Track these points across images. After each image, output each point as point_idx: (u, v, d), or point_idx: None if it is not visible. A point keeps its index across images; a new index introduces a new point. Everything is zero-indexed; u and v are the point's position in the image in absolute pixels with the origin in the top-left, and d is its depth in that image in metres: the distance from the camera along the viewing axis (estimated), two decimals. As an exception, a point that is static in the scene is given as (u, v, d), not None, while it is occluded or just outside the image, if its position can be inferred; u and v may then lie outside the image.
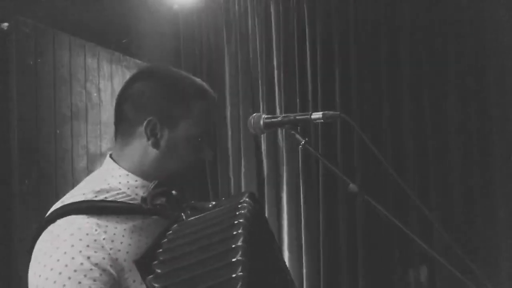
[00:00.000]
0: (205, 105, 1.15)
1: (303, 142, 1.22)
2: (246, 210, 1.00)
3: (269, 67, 3.49)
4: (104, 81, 2.93)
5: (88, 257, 0.97)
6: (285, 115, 1.28)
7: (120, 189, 1.10)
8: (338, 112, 1.27)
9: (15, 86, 2.31)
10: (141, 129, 1.10)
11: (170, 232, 1.00)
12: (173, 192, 1.10)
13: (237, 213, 0.99)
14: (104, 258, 0.99)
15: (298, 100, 3.38)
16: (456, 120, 3.08)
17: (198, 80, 1.19)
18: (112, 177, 1.11)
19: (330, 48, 3.32)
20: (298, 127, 1.25)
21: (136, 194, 1.10)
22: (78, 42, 2.72)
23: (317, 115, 1.23)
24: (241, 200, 1.06)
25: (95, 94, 2.84)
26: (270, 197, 3.43)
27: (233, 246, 0.90)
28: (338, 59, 3.28)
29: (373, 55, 3.25)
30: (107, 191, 1.09)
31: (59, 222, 1.02)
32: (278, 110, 3.44)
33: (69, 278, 0.95)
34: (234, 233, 0.92)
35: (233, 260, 0.88)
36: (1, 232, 2.24)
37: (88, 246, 0.98)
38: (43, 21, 2.49)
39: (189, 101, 1.13)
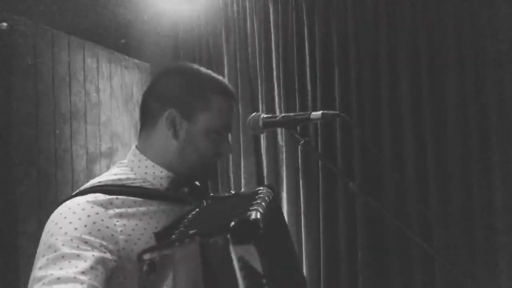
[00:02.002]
0: (224, 100, 1.20)
1: (302, 142, 1.22)
2: (264, 195, 1.07)
3: (268, 66, 3.49)
4: (103, 81, 2.93)
5: (94, 222, 1.03)
6: (285, 114, 1.28)
7: (146, 178, 1.17)
8: (338, 112, 1.27)
9: (15, 86, 2.31)
10: (162, 120, 1.16)
11: (190, 215, 1.07)
12: (197, 183, 1.20)
13: (257, 196, 1.07)
14: (108, 227, 1.04)
15: (297, 99, 3.38)
16: (456, 120, 3.08)
17: (218, 76, 1.24)
18: (138, 168, 1.18)
19: (329, 48, 3.32)
20: (298, 127, 1.25)
21: (161, 185, 1.17)
22: (77, 42, 2.72)
23: (316, 114, 1.23)
24: (260, 188, 1.14)
25: (94, 94, 2.84)
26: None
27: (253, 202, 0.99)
28: (338, 59, 3.28)
29: (373, 55, 3.25)
30: (134, 180, 1.16)
31: (77, 198, 1.08)
32: (277, 110, 3.44)
33: (63, 244, 0.98)
34: (251, 204, 1.00)
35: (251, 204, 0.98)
36: (1, 232, 2.24)
37: (97, 213, 1.04)
38: (42, 21, 2.49)
39: (208, 95, 1.18)
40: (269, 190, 1.15)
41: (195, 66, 1.25)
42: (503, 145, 2.96)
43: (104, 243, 1.02)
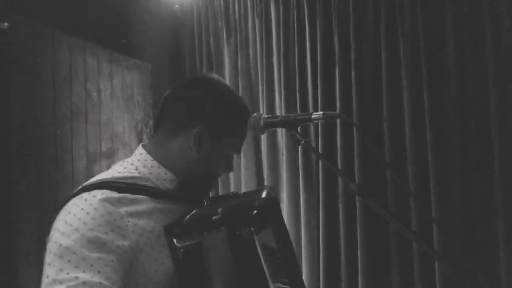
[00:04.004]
0: (245, 128, 1.27)
1: (303, 142, 1.22)
2: (266, 193, 1.13)
3: (269, 67, 3.49)
4: (104, 81, 2.92)
5: (107, 221, 1.04)
6: (285, 115, 1.29)
7: (150, 179, 1.18)
8: (338, 112, 1.27)
9: (15, 86, 2.31)
10: (189, 132, 1.19)
11: (195, 210, 1.11)
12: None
13: (258, 194, 1.13)
14: (119, 227, 1.05)
15: (298, 100, 3.38)
16: (456, 120, 3.08)
17: (244, 101, 1.33)
18: (144, 167, 1.19)
19: (330, 48, 3.32)
20: (298, 127, 1.25)
21: (164, 186, 1.19)
22: (77, 42, 2.72)
23: (317, 115, 1.23)
24: (261, 188, 1.24)
25: (94, 94, 2.84)
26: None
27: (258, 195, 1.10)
28: (338, 59, 3.28)
29: (373, 55, 3.24)
30: (138, 178, 1.17)
31: (92, 191, 1.09)
32: (278, 110, 3.44)
33: (81, 246, 1.00)
34: (256, 194, 1.11)
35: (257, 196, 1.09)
36: (1, 232, 2.24)
37: (109, 212, 1.05)
38: (42, 21, 2.49)
39: (236, 121, 1.24)
40: (270, 187, 1.23)
41: (226, 83, 1.33)
42: (504, 144, 2.96)
43: (120, 243, 1.03)
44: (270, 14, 3.49)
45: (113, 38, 3.06)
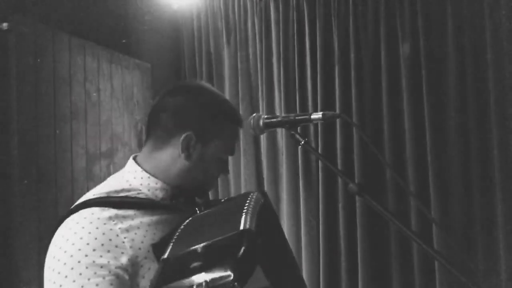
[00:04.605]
0: (235, 129, 1.28)
1: (302, 142, 1.22)
2: (254, 202, 1.08)
3: (269, 67, 3.49)
4: (103, 81, 2.92)
5: (102, 244, 1.03)
6: (285, 115, 1.28)
7: (140, 190, 1.18)
8: (338, 112, 1.27)
9: (15, 85, 2.31)
10: (177, 140, 1.18)
11: (185, 223, 1.08)
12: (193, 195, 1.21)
13: (246, 203, 1.07)
14: (117, 246, 1.04)
15: (297, 100, 3.38)
16: (455, 119, 3.08)
17: (231, 103, 1.31)
18: (134, 179, 1.19)
19: (330, 48, 3.32)
20: (298, 127, 1.25)
21: (156, 196, 1.18)
22: (77, 42, 2.72)
23: (317, 115, 1.23)
24: (251, 194, 1.14)
25: (94, 94, 2.84)
26: (269, 197, 3.41)
27: (241, 217, 0.99)
28: (338, 59, 3.28)
29: (373, 55, 3.25)
30: (128, 191, 1.16)
31: (81, 212, 1.08)
32: (277, 110, 3.44)
33: (80, 274, 1.00)
34: (243, 211, 1.02)
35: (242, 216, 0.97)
36: (1, 231, 2.24)
37: (103, 234, 1.04)
38: (42, 21, 2.49)
39: (224, 124, 1.24)
40: (258, 195, 1.14)
41: (212, 89, 1.31)
42: (503, 144, 2.96)
43: (118, 263, 1.03)
44: (269, 14, 3.49)
45: (113, 38, 3.06)
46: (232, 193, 3.52)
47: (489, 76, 3.00)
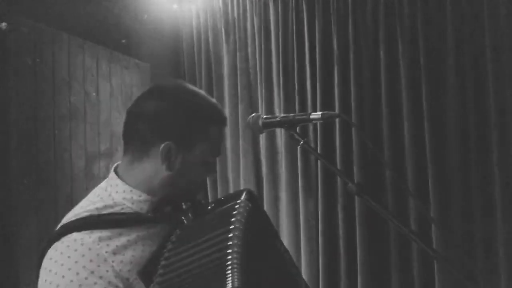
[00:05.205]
0: (220, 129, 1.18)
1: (302, 142, 1.21)
2: (240, 217, 1.02)
3: (268, 67, 3.49)
4: (103, 81, 2.92)
5: (92, 271, 0.99)
6: (284, 115, 1.28)
7: (124, 204, 1.11)
8: (337, 112, 1.27)
9: (14, 86, 2.31)
10: (156, 150, 1.11)
11: (170, 241, 1.03)
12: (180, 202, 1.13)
13: (232, 219, 1.01)
14: (107, 271, 1.01)
15: (297, 100, 3.38)
16: (455, 119, 3.08)
17: (214, 101, 1.20)
18: (116, 193, 1.12)
19: (329, 48, 3.32)
20: (297, 127, 1.25)
21: (141, 208, 1.12)
22: (77, 42, 2.71)
23: (316, 115, 1.22)
24: (238, 201, 1.07)
25: (93, 94, 2.84)
26: (269, 197, 3.43)
27: (228, 257, 0.92)
28: (337, 59, 3.28)
29: (372, 55, 3.25)
30: (112, 207, 1.11)
31: (63, 239, 1.04)
32: (277, 110, 3.44)
33: None
34: (229, 243, 0.95)
35: (227, 272, 0.90)
36: (0, 231, 2.23)
37: (91, 260, 1.00)
38: (42, 21, 2.49)
39: (207, 126, 1.14)
40: (245, 202, 1.08)
41: (188, 87, 1.20)
42: (503, 144, 2.96)
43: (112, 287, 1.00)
44: (269, 13, 3.49)
45: (112, 38, 3.05)
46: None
47: (489, 76, 3.00)
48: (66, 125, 2.60)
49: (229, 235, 0.96)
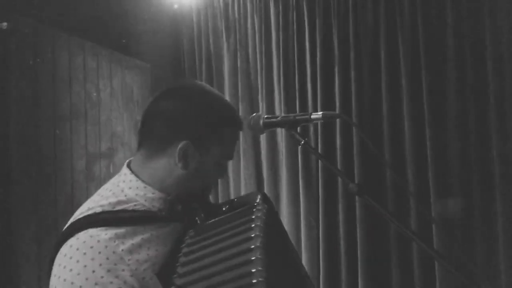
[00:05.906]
0: (235, 132, 1.21)
1: (302, 142, 1.21)
2: (261, 214, 1.03)
3: (269, 66, 3.49)
4: (103, 81, 2.92)
5: (108, 270, 0.98)
6: (285, 115, 1.27)
7: (137, 200, 1.11)
8: (338, 113, 1.27)
9: (14, 86, 2.31)
10: (172, 149, 1.12)
11: (187, 238, 1.04)
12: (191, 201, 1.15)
13: (253, 216, 1.02)
14: (123, 270, 1.00)
15: (297, 100, 3.38)
16: (456, 120, 3.08)
17: (230, 104, 1.23)
18: (129, 189, 1.12)
19: (329, 48, 3.32)
20: (298, 127, 1.25)
21: (153, 206, 1.12)
22: (77, 42, 2.71)
23: (316, 115, 1.22)
24: (255, 203, 1.09)
25: (94, 94, 2.84)
26: (269, 197, 3.41)
27: (252, 258, 0.93)
28: (338, 59, 3.28)
29: (373, 55, 3.25)
30: (126, 203, 1.10)
31: (78, 235, 1.03)
32: (277, 110, 3.44)
33: None
34: (252, 246, 0.95)
35: (253, 270, 0.91)
36: (0, 232, 2.23)
37: (107, 259, 0.99)
38: (42, 21, 2.49)
39: (222, 128, 1.16)
40: (262, 203, 1.10)
41: (206, 88, 1.22)
42: (503, 144, 2.96)
43: (128, 286, 0.99)
44: (269, 13, 3.49)
45: (112, 38, 3.05)
46: (232, 194, 3.51)
47: (489, 76, 3.00)
48: (66, 125, 2.60)
49: (251, 236, 0.97)
